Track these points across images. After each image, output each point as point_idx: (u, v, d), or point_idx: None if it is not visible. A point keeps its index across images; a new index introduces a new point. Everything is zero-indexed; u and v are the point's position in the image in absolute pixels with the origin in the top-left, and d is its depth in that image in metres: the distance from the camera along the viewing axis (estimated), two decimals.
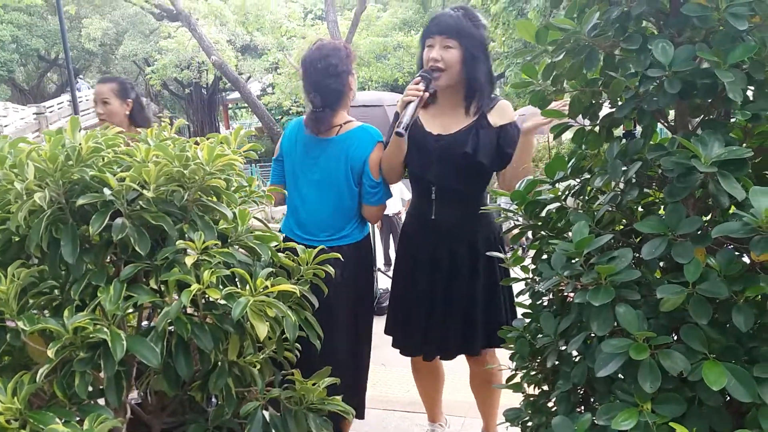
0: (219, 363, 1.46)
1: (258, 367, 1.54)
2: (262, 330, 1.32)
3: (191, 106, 26.39)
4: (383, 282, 6.59)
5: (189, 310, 1.40)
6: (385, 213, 8.31)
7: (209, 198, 1.45)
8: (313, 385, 1.63)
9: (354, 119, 2.42)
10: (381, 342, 3.73)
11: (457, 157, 2.22)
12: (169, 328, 1.36)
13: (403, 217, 8.45)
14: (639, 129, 1.32)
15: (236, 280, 1.43)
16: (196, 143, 1.44)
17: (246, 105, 18.82)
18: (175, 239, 1.34)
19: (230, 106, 30.59)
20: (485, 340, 2.32)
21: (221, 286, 1.33)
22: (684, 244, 1.07)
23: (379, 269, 6.46)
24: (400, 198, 8.46)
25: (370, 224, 2.57)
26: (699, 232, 1.10)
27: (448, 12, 2.26)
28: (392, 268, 2.62)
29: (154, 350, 1.24)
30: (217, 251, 1.34)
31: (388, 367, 4.80)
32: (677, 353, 1.05)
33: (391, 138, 2.26)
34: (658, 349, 1.07)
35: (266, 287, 1.33)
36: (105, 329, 1.18)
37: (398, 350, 2.56)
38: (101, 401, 1.35)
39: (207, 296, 1.37)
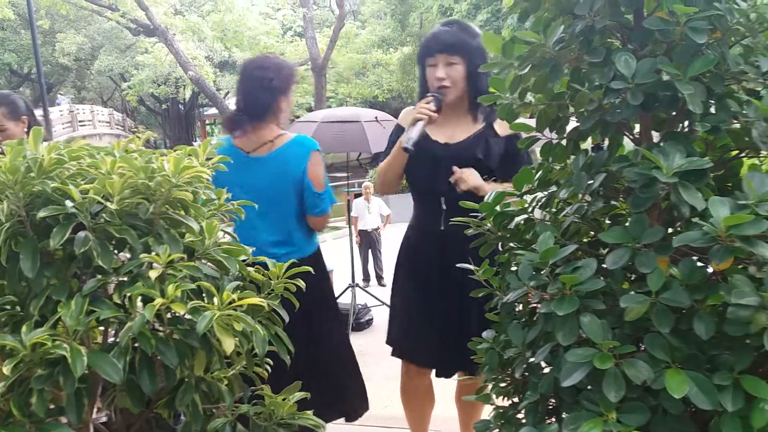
0: (185, 379, 1.43)
1: (226, 382, 1.51)
2: (229, 344, 1.30)
3: (168, 122, 26.27)
4: (361, 298, 6.57)
5: (157, 326, 1.38)
6: (364, 228, 8.32)
7: (176, 211, 1.43)
8: (283, 400, 1.61)
9: (286, 132, 2.44)
10: (359, 358, 3.70)
11: (468, 164, 2.23)
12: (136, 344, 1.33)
13: (381, 232, 8.48)
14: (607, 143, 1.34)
15: (203, 294, 1.41)
16: (163, 155, 1.43)
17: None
18: (140, 252, 1.32)
19: (208, 121, 30.50)
20: None
21: (188, 301, 1.31)
22: (647, 253, 1.08)
23: (357, 285, 6.45)
24: (379, 214, 8.48)
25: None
26: (663, 242, 1.12)
27: (443, 29, 2.29)
28: (393, 281, 2.59)
29: (117, 366, 1.21)
30: (183, 265, 1.32)
31: (367, 383, 4.78)
32: (641, 362, 1.06)
33: (392, 152, 2.26)
34: (622, 358, 1.08)
35: (233, 301, 1.31)
36: (65, 345, 1.15)
37: (411, 361, 2.51)
38: (64, 420, 1.31)
39: (173, 311, 1.35)
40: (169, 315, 1.38)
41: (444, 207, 2.28)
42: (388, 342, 2.56)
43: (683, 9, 1.06)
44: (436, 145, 2.29)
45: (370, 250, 8.54)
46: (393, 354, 2.54)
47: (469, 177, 2.17)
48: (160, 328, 1.38)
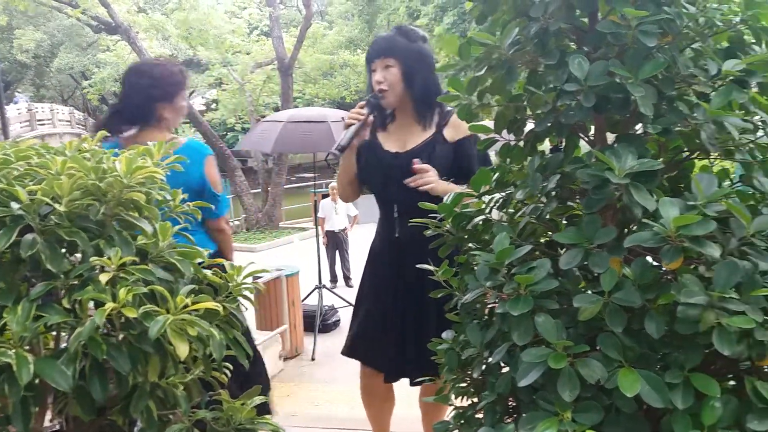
0: (139, 385, 1.40)
1: (182, 388, 1.48)
2: (183, 350, 1.27)
3: None
4: (328, 299, 6.55)
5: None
6: (331, 229, 8.30)
7: (129, 212, 1.40)
8: (242, 405, 1.59)
9: (177, 136, 2.49)
10: (326, 360, 3.71)
11: (415, 173, 2.25)
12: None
13: (349, 233, 8.46)
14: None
15: (157, 298, 1.38)
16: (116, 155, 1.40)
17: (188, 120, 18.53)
18: (91, 255, 1.28)
19: None
20: None
21: (140, 305, 1.28)
22: (600, 254, 1.09)
23: (324, 286, 6.43)
24: (346, 214, 8.47)
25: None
26: (615, 243, 1.13)
27: (382, 35, 2.35)
28: (358, 288, 2.59)
29: (65, 373, 1.18)
30: (135, 268, 1.29)
31: (332, 385, 4.77)
32: (595, 361, 1.07)
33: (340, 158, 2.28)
34: (577, 357, 1.09)
35: (187, 305, 1.28)
36: (9, 352, 1.11)
37: (365, 363, 2.51)
38: (13, 429, 1.27)
39: (125, 316, 1.32)
40: (123, 320, 1.35)
41: (396, 214, 2.29)
42: (347, 353, 2.56)
43: (634, 13, 1.08)
44: (387, 155, 2.31)
45: (337, 251, 8.52)
46: (343, 352, 2.54)
47: (434, 177, 2.18)
48: (114, 334, 1.34)
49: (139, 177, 1.33)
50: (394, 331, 2.36)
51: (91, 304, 1.31)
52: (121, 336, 1.34)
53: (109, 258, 1.27)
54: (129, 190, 1.32)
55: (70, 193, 1.27)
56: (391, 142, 2.34)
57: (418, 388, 2.66)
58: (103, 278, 1.24)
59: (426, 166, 2.20)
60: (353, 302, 2.61)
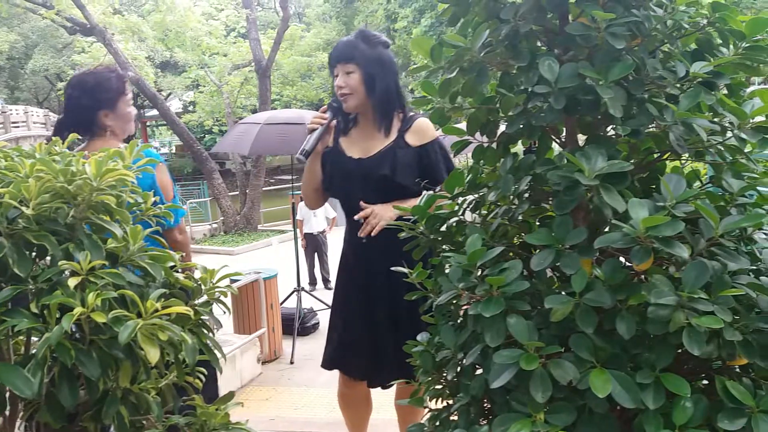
0: (110, 391, 1.38)
1: (154, 393, 1.46)
2: (154, 354, 1.25)
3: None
4: (307, 302, 6.52)
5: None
6: (310, 232, 8.27)
7: (100, 215, 1.38)
8: (216, 410, 1.58)
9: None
10: (305, 363, 3.68)
11: (377, 180, 2.26)
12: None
13: (327, 235, 8.44)
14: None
15: (128, 302, 1.36)
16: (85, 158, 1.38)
17: (165, 122, 18.34)
18: (60, 259, 1.26)
19: (149, 123, 29.79)
20: None
21: (110, 309, 1.26)
22: (571, 255, 1.09)
23: (303, 289, 6.40)
24: (324, 217, 8.44)
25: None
26: (586, 244, 1.14)
27: (343, 40, 2.35)
28: (333, 296, 2.58)
29: (29, 380, 1.15)
30: (105, 272, 1.27)
31: (311, 388, 4.75)
32: (567, 362, 1.08)
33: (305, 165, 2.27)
34: (549, 358, 1.09)
35: (157, 309, 1.27)
36: None
37: (346, 373, 2.50)
38: None
39: (95, 321, 1.30)
40: (93, 325, 1.32)
41: (362, 221, 2.29)
42: (325, 366, 2.55)
43: (602, 15, 1.09)
44: (350, 161, 2.32)
45: (316, 254, 8.49)
46: (323, 366, 2.53)
47: (378, 215, 2.19)
48: (84, 339, 1.32)
49: (110, 180, 1.31)
50: (369, 337, 2.36)
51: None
52: (90, 341, 1.32)
53: (78, 262, 1.25)
54: (99, 193, 1.30)
55: (39, 196, 1.25)
56: (353, 149, 2.34)
57: (393, 392, 2.66)
58: (72, 282, 1.22)
59: (367, 210, 2.21)
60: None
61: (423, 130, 2.34)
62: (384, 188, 2.29)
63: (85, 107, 2.38)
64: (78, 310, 1.19)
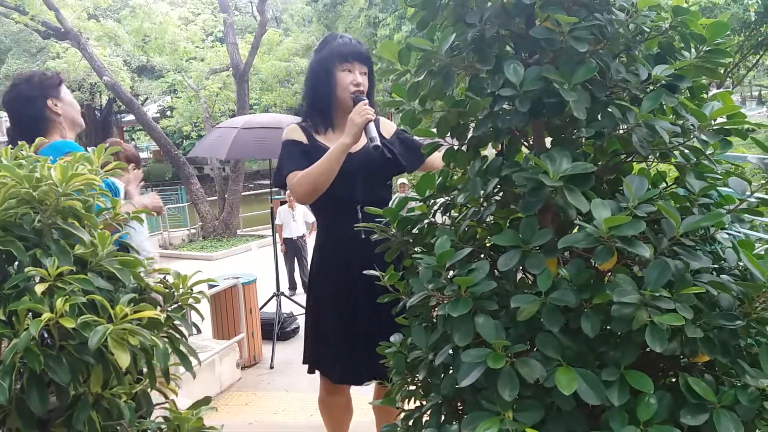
0: (81, 396, 1.37)
1: (125, 398, 1.45)
2: (124, 359, 1.25)
3: (83, 129, 25.13)
4: (287, 307, 6.49)
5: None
6: (289, 236, 8.24)
7: (68, 221, 1.37)
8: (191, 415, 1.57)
9: (44, 139, 2.54)
10: (285, 368, 3.65)
11: (380, 166, 2.26)
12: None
13: (307, 240, 8.41)
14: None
15: (98, 308, 1.35)
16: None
17: (142, 127, 18.17)
18: (26, 265, 1.25)
19: (126, 128, 29.49)
20: None
21: (78, 315, 1.25)
22: (537, 255, 1.11)
23: (282, 293, 6.37)
24: (303, 221, 8.42)
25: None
26: (551, 244, 1.15)
27: (353, 40, 2.37)
28: (309, 296, 2.55)
29: (1, 386, 1.14)
30: (73, 278, 1.26)
31: (291, 393, 4.73)
32: (534, 361, 1.09)
33: (330, 157, 2.19)
34: (517, 357, 1.10)
35: (126, 314, 1.26)
36: None
37: (333, 379, 2.48)
38: None
39: (65, 326, 1.29)
40: (59, 331, 1.31)
41: (360, 216, 2.28)
42: (308, 363, 2.53)
43: (565, 19, 1.10)
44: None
45: (295, 258, 8.46)
46: (305, 362, 2.52)
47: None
48: (53, 345, 1.31)
49: (76, 184, 1.30)
50: (360, 336, 2.34)
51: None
52: (61, 347, 1.31)
53: (45, 268, 1.24)
54: (66, 198, 1.29)
55: (4, 202, 1.24)
56: (343, 136, 2.33)
57: (371, 394, 2.66)
58: (39, 288, 1.21)
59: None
60: None
61: (388, 124, 2.47)
62: (389, 172, 2.38)
63: (34, 98, 2.39)
64: (46, 315, 1.18)
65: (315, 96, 2.35)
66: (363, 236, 2.27)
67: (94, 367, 1.36)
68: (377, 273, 1.51)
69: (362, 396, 2.73)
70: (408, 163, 2.37)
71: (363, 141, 2.30)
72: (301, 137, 2.34)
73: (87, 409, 1.37)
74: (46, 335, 1.33)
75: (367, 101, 2.22)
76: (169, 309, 1.52)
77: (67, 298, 1.22)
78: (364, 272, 1.55)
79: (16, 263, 1.35)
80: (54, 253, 1.28)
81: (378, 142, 2.09)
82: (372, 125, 2.15)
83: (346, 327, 2.36)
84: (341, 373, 2.44)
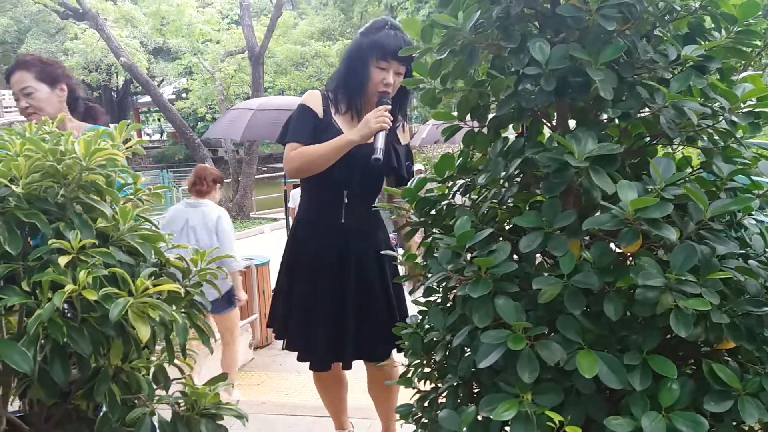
0: (101, 369, 1.38)
1: (144, 372, 1.47)
2: (145, 332, 1.26)
3: None
4: None
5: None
6: None
7: (90, 195, 1.37)
8: (207, 390, 1.58)
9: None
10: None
11: (382, 166, 2.24)
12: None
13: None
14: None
15: (119, 281, 1.36)
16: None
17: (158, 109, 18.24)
18: (50, 238, 1.26)
19: (142, 109, 29.60)
20: (394, 343, 2.32)
21: (100, 287, 1.26)
22: (559, 237, 1.10)
23: None
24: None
25: None
26: (575, 226, 1.14)
27: (400, 36, 2.25)
28: (281, 279, 2.55)
29: (26, 355, 1.15)
30: (95, 251, 1.27)
31: (302, 374, 4.76)
32: (554, 343, 1.08)
33: (333, 144, 2.19)
34: (537, 339, 1.10)
35: (147, 288, 1.27)
36: None
37: (307, 364, 2.50)
38: None
39: (87, 299, 1.30)
40: (82, 302, 1.33)
41: (346, 200, 2.28)
42: (288, 348, 2.52)
43: None
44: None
45: None
46: (298, 359, 2.51)
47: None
48: (75, 317, 1.32)
49: (99, 159, 1.30)
50: (332, 320, 2.34)
51: None
52: (82, 319, 1.33)
53: (68, 241, 1.25)
54: (89, 173, 1.29)
55: (29, 174, 1.24)
56: (353, 132, 2.31)
57: (365, 378, 2.66)
58: (62, 261, 1.22)
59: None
60: None
61: (407, 132, 2.45)
62: (384, 174, 2.36)
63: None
64: (69, 287, 1.19)
65: (346, 78, 2.30)
66: (343, 221, 2.28)
67: (114, 339, 1.37)
68: (393, 253, 1.51)
69: (360, 380, 2.73)
70: (402, 173, 2.36)
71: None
72: (318, 108, 2.30)
73: (107, 382, 1.38)
74: (66, 308, 1.34)
75: (390, 106, 2.18)
76: (188, 284, 1.53)
77: (89, 270, 1.23)
78: (382, 252, 1.54)
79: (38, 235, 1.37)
80: (77, 226, 1.28)
81: (380, 155, 2.08)
82: (382, 134, 2.13)
83: (332, 314, 2.36)
84: (329, 359, 2.45)
